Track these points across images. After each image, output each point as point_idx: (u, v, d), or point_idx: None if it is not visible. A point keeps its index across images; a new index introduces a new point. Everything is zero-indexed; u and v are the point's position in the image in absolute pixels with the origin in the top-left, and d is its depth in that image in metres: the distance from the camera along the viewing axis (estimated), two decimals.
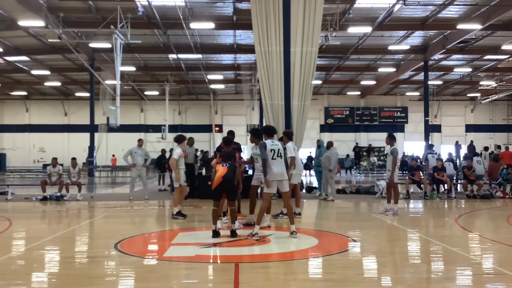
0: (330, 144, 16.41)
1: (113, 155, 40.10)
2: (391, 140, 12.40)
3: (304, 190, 18.14)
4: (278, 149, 9.10)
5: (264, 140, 9.39)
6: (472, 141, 33.88)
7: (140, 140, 16.57)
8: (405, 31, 26.90)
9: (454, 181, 17.91)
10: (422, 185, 16.87)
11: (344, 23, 23.82)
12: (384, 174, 31.61)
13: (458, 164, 17.85)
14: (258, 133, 10.09)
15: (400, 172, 30.26)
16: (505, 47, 28.73)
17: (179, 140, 12.50)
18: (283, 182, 9.10)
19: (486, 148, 23.97)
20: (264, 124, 18.22)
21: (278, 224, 10.50)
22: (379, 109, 45.46)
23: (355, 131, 45.63)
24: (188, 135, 13.47)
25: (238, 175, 9.63)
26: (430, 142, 21.58)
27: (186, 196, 15.89)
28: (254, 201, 10.40)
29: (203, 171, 18.27)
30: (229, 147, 10.13)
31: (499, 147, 25.93)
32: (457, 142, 31.88)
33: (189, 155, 15.94)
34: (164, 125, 38.46)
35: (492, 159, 19.48)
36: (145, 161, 16.20)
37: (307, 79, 16.79)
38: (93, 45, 27.81)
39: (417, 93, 43.55)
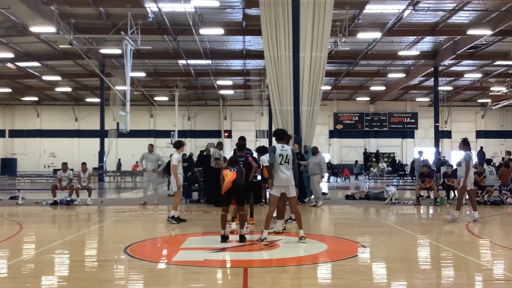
0: (315, 150, 15.93)
1: (136, 162, 40.21)
2: (465, 145, 12.18)
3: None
4: (287, 155, 9.07)
5: (274, 144, 9.37)
6: (482, 147, 33.64)
7: (150, 145, 16.64)
8: (415, 37, 26.83)
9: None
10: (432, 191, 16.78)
11: (354, 28, 23.82)
12: (394, 180, 31.66)
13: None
14: (263, 151, 10.30)
15: (410, 178, 30.59)
16: None
17: (177, 145, 12.51)
18: (289, 187, 9.06)
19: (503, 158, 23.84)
20: (273, 130, 18.16)
21: (287, 229, 10.46)
22: (388, 115, 45.30)
23: (365, 137, 45.46)
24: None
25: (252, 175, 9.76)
26: (420, 149, 21.33)
27: (213, 203, 15.45)
28: (281, 208, 9.99)
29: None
30: (242, 152, 10.13)
31: (509, 153, 25.68)
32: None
33: (221, 160, 15.18)
34: (174, 131, 38.57)
35: (503, 165, 19.33)
36: (158, 166, 16.23)
37: (316, 84, 16.79)
38: (103, 51, 27.99)
39: (427, 99, 43.36)
